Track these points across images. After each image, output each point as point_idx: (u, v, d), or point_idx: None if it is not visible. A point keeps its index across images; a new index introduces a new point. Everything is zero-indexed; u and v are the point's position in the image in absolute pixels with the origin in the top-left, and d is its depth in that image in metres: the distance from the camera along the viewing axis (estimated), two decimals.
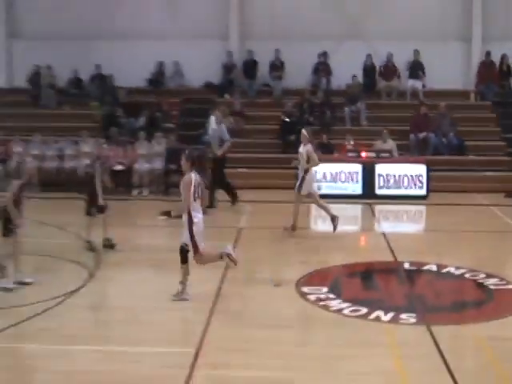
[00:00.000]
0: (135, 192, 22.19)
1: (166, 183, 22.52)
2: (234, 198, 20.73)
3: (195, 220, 12.72)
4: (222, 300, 13.01)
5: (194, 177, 12.75)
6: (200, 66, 27.29)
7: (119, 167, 22.69)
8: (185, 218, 12.76)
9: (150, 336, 11.42)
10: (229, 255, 13.16)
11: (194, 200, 12.74)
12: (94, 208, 16.21)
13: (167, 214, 19.33)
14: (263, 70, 27.37)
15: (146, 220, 19.81)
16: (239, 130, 24.94)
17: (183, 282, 12.97)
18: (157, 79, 27.47)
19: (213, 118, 24.36)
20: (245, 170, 23.39)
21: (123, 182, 22.53)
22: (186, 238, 12.80)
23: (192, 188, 12.66)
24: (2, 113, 26.20)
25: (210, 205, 20.10)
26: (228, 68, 27.32)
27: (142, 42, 27.15)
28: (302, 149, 17.97)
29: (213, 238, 18.26)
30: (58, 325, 12.01)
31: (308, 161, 17.71)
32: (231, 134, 23.42)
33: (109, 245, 16.26)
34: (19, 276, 13.73)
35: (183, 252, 12.87)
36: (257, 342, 11.06)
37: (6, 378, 10.01)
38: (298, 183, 17.86)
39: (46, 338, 11.48)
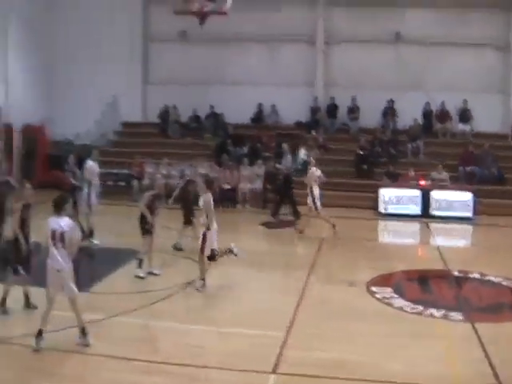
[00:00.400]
0: (239, 206, 22.29)
1: (264, 200, 22.53)
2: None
3: (212, 230, 13.10)
4: (307, 295, 13.00)
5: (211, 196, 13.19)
6: (292, 108, 27.26)
7: (227, 186, 22.84)
8: (203, 229, 13.16)
9: (248, 320, 11.52)
10: (231, 250, 13.78)
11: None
12: (191, 217, 16.26)
13: (265, 224, 19.65)
14: (342, 112, 27.23)
15: (249, 228, 19.93)
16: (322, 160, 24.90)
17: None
18: (258, 117, 27.57)
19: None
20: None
21: (230, 198, 22.68)
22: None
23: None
24: (139, 141, 26.68)
25: (297, 216, 20.24)
26: (314, 110, 27.26)
27: (246, 87, 27.25)
28: (311, 172, 18.58)
29: (299, 245, 18.42)
30: (177, 307, 12.27)
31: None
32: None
33: (178, 248, 16.28)
34: (150, 268, 13.98)
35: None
36: (334, 330, 11.05)
37: (140, 347, 10.32)
38: (313, 202, 18.19)
39: (168, 317, 11.73)
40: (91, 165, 17.34)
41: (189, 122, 27.65)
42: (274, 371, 9.39)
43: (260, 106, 27.58)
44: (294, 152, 24.04)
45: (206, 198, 13.16)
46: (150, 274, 13.92)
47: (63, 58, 28.28)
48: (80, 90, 27.69)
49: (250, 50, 27.80)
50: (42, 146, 26.19)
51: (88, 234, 16.77)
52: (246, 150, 25.24)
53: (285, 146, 22.41)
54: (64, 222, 9.88)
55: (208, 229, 13.12)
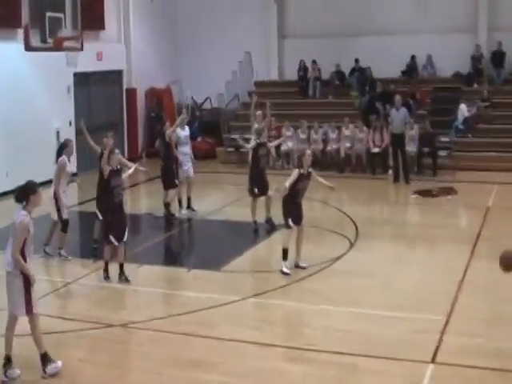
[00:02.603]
0: (390, 172, 21.84)
1: (418, 164, 22.01)
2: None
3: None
4: (470, 273, 12.59)
5: None
6: (450, 58, 26.37)
7: (376, 150, 22.47)
8: None
9: (401, 302, 11.28)
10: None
11: None
12: (255, 188, 15.77)
13: (420, 192, 19.22)
14: (511, 59, 26.10)
15: (401, 197, 19.55)
16: (489, 117, 23.99)
17: None
18: (410, 70, 26.94)
19: (463, 106, 23.73)
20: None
21: (379, 164, 22.35)
22: None
23: None
24: (275, 102, 26.61)
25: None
26: (476, 59, 26.25)
27: (396, 37, 26.61)
28: None
29: (461, 215, 17.96)
30: (321, 287, 12.16)
31: None
32: (480, 120, 22.79)
33: (271, 224, 15.64)
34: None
35: None
36: (501, 315, 10.70)
37: (280, 331, 10.51)
38: None
39: (309, 298, 11.68)
40: (176, 132, 17.18)
41: (331, 78, 27.37)
42: (432, 360, 9.15)
43: (413, 57, 26.90)
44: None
45: None
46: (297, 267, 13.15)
47: (188, 14, 28.72)
48: (208, 48, 28.05)
49: None
50: (168, 111, 26.67)
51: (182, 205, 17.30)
52: None
53: (398, 97, 21.70)
54: (18, 215, 8.87)
55: None
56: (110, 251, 12.51)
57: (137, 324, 10.51)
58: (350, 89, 26.65)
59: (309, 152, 13.22)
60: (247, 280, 12.54)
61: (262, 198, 15.79)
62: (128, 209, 17.07)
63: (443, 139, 22.70)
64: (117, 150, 12.92)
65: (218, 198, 19.65)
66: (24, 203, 8.87)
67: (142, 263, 13.29)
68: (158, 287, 12.24)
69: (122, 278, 12.38)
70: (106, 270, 12.52)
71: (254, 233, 15.61)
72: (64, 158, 13.66)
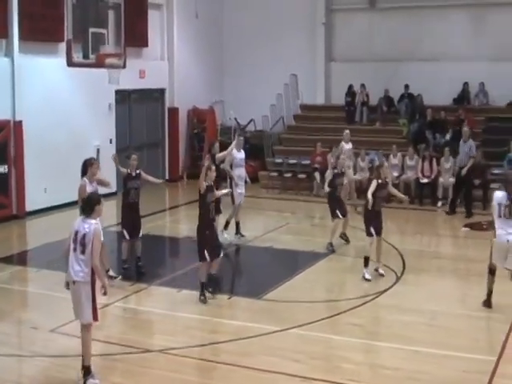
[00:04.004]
0: (439, 204, 21.71)
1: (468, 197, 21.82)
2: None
3: None
4: None
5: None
6: (504, 86, 26.21)
7: (425, 180, 22.33)
8: None
9: (452, 341, 11.13)
10: None
11: None
12: (337, 211, 16.33)
13: (470, 225, 19.08)
14: None
15: (449, 230, 19.42)
16: None
17: None
18: (461, 98, 26.79)
19: None
20: None
21: (428, 194, 22.22)
22: None
23: None
24: (321, 127, 26.71)
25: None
26: None
27: (448, 63, 26.54)
28: None
29: None
30: (365, 321, 12.12)
31: None
32: None
33: (345, 238, 16.83)
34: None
35: None
36: None
37: (319, 364, 10.28)
38: None
39: (352, 331, 11.61)
40: (232, 154, 17.21)
41: (379, 104, 27.33)
42: None
43: (465, 85, 26.78)
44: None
45: None
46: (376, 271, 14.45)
47: (234, 33, 29.04)
48: (254, 69, 28.34)
49: (450, 18, 26.94)
50: (211, 132, 26.85)
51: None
52: (448, 137, 24.48)
53: (466, 129, 21.56)
54: (88, 224, 9.31)
55: None
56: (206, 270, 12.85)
57: (175, 350, 10.55)
58: (398, 115, 26.58)
59: (386, 164, 15.07)
60: (289, 310, 12.48)
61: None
62: (167, 232, 17.23)
63: (496, 171, 22.40)
64: (213, 167, 13.17)
65: (261, 224, 19.73)
66: (88, 213, 9.42)
67: (181, 288, 13.34)
68: (198, 313, 12.23)
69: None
70: (203, 293, 12.73)
71: (330, 254, 16.04)
72: (84, 180, 13.12)
